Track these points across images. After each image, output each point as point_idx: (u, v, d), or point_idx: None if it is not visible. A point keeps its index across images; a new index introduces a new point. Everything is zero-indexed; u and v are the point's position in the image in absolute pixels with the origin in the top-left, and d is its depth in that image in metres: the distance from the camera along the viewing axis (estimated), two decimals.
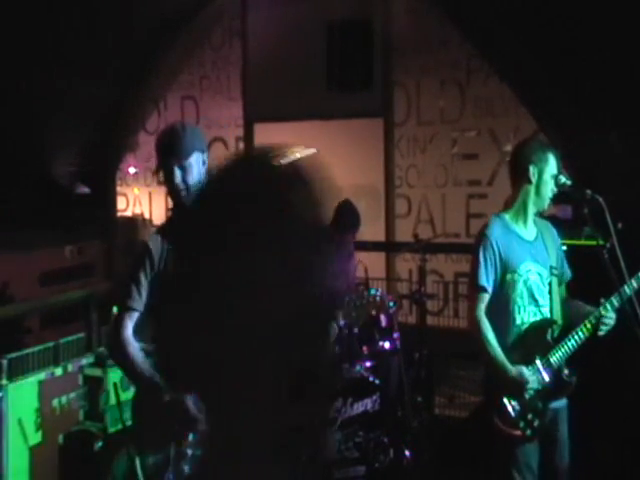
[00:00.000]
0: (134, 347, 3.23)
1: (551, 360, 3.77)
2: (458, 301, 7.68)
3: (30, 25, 8.11)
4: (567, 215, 5.44)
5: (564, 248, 5.02)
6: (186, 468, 3.10)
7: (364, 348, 5.48)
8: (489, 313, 3.79)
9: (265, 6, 9.41)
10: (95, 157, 9.89)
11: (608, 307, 3.75)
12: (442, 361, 6.66)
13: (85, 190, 9.85)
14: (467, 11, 7.19)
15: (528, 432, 3.71)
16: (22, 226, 8.96)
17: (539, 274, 3.82)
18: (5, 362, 4.78)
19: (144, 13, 8.90)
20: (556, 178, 3.80)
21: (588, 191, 3.74)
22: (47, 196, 9.46)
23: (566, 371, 3.79)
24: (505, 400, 3.70)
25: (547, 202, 3.83)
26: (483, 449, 4.28)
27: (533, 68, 6.70)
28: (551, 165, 3.76)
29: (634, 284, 3.75)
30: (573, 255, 4.62)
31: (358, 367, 5.32)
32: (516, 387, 3.68)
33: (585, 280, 4.00)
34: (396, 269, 8.67)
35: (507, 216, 3.87)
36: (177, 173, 3.18)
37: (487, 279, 3.74)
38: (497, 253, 3.75)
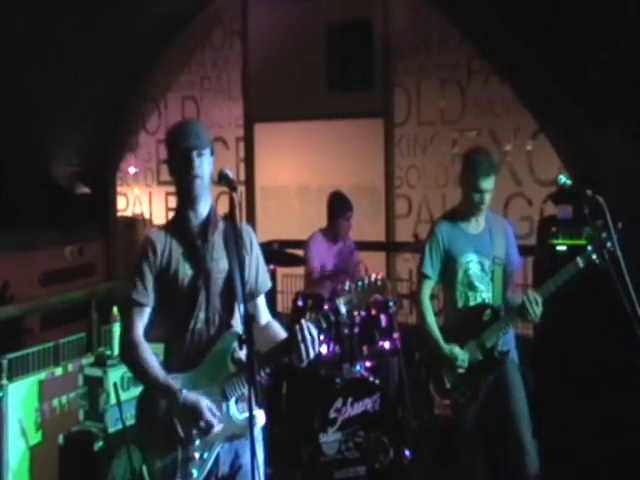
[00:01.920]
0: (145, 348, 3.08)
1: (484, 340, 4.13)
2: None
3: (30, 25, 8.11)
4: (567, 215, 5.45)
5: (565, 248, 5.12)
6: (195, 472, 3.03)
7: (364, 348, 5.48)
8: (444, 298, 4.38)
9: (265, 6, 9.41)
10: (95, 157, 9.87)
11: (532, 297, 4.02)
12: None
13: (85, 190, 9.84)
14: (467, 11, 7.17)
15: (461, 401, 4.15)
16: (22, 226, 8.95)
17: (480, 264, 4.23)
18: (5, 362, 4.77)
19: (144, 13, 8.89)
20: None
21: (588, 191, 3.76)
22: (47, 196, 9.46)
23: (498, 349, 4.16)
24: (442, 372, 4.16)
25: (475, 205, 4.17)
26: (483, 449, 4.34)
27: (533, 68, 6.69)
28: (473, 177, 4.14)
29: (564, 277, 4.04)
30: (573, 255, 4.62)
31: (358, 367, 5.32)
32: (448, 364, 4.12)
33: (584, 280, 4.01)
34: (396, 269, 8.67)
35: (456, 214, 4.33)
36: (196, 160, 3.04)
37: (431, 268, 4.25)
38: (441, 245, 4.24)
